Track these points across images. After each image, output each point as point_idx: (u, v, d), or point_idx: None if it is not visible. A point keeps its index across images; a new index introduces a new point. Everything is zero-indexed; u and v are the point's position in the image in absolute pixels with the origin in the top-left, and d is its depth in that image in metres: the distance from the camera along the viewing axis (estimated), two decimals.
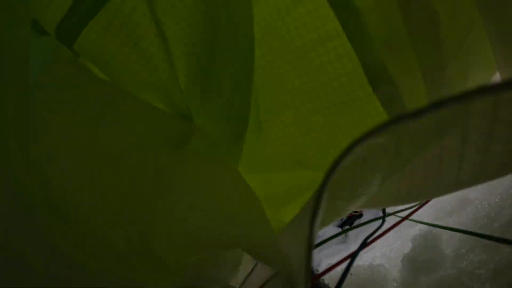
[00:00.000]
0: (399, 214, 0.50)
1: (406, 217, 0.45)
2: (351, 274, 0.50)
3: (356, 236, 0.67)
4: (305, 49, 0.31)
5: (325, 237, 0.51)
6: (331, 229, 0.70)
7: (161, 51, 0.27)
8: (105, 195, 0.25)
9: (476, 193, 0.50)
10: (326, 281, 0.50)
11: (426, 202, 0.49)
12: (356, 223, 0.70)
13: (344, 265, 0.43)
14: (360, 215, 0.71)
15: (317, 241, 0.52)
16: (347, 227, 0.69)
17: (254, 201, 0.27)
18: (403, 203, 0.38)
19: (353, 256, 0.32)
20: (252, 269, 0.34)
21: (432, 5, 0.27)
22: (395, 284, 0.46)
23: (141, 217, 0.25)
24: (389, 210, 0.51)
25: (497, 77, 0.34)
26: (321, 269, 0.58)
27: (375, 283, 0.47)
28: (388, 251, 0.52)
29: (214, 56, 0.28)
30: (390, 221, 0.47)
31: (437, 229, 0.46)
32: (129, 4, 0.25)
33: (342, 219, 0.74)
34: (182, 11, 0.26)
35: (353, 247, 0.46)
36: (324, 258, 0.65)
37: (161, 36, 0.26)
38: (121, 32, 0.27)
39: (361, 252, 0.40)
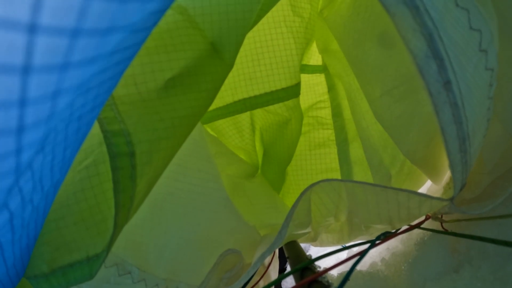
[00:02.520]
0: None
1: (416, 226, 0.42)
2: (349, 279, 0.50)
3: None
4: None
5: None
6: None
7: (250, 134, 0.58)
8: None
9: None
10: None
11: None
12: None
13: (341, 266, 0.51)
14: None
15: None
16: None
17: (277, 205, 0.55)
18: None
19: (356, 260, 0.31)
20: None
21: None
22: None
23: None
24: None
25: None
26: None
27: None
28: (389, 256, 0.50)
29: (268, 150, 0.60)
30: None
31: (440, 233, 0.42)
32: (245, 117, 0.57)
33: None
34: (263, 127, 0.58)
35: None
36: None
37: (252, 127, 0.58)
38: (233, 121, 0.58)
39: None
